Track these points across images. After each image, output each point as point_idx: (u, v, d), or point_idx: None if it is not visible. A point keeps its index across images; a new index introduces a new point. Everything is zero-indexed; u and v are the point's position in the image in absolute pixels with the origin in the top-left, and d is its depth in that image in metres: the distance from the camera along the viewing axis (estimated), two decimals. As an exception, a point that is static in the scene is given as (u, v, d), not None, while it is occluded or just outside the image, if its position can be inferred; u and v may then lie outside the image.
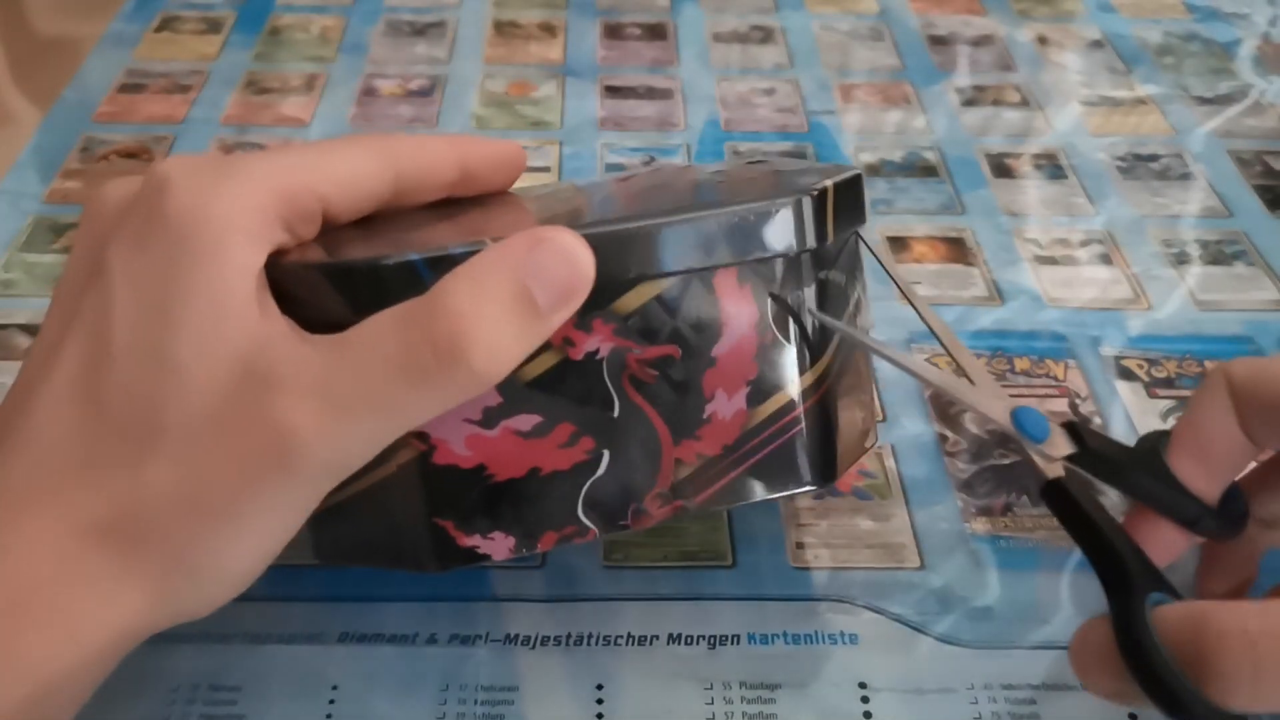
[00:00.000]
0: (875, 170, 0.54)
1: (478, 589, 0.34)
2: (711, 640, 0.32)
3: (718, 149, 0.55)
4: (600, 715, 0.31)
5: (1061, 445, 0.29)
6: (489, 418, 0.27)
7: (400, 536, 0.28)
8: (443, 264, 0.25)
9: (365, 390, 0.24)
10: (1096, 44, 0.64)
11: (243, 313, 0.25)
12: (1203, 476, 0.29)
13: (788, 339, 0.29)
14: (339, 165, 0.28)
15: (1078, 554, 0.35)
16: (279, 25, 0.64)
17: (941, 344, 0.31)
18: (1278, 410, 0.28)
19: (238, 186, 0.26)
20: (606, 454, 0.28)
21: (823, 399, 0.30)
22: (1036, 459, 0.29)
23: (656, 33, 0.64)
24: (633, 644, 0.32)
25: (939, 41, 0.64)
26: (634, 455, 0.28)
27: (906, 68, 0.62)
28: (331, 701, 0.31)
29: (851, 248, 0.32)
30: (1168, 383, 0.42)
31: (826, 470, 0.30)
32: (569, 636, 0.33)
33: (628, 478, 0.28)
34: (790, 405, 0.29)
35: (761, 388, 0.29)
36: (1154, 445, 0.30)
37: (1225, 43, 0.64)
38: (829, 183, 0.29)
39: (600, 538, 0.29)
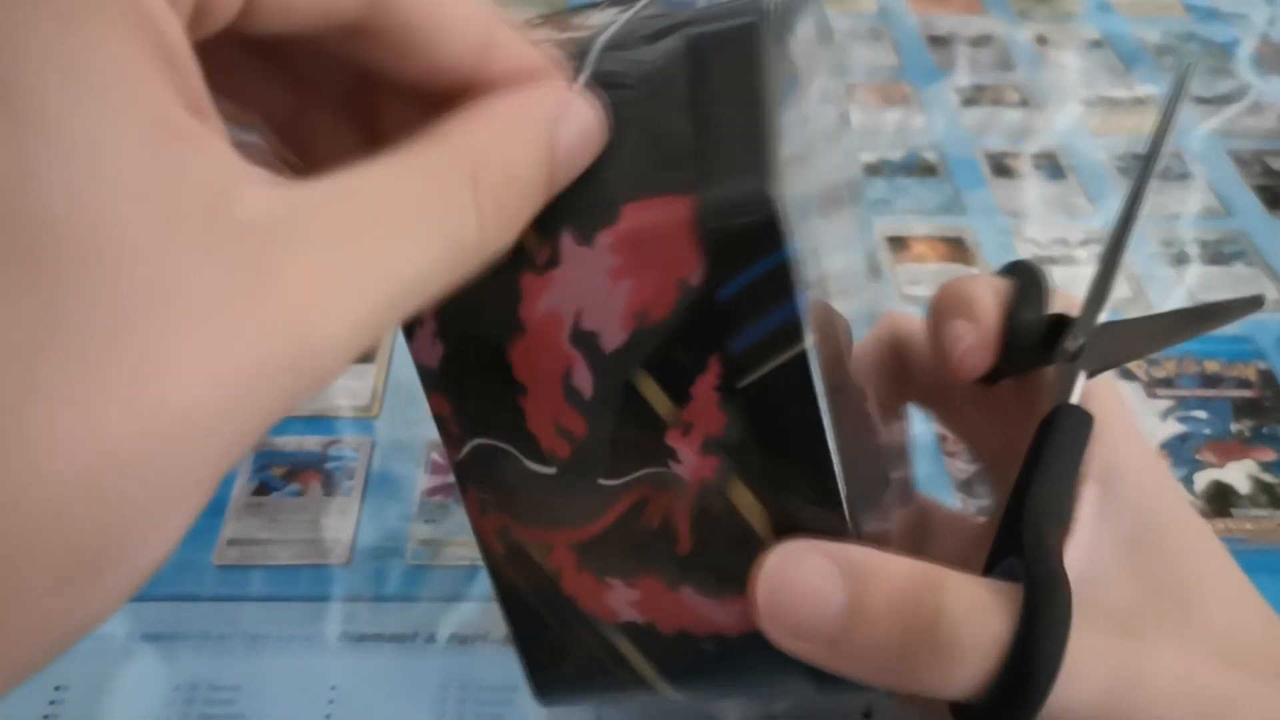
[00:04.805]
0: (875, 170, 0.54)
1: (478, 589, 0.34)
2: (711, 640, 0.32)
3: (717, 149, 0.55)
4: (600, 715, 0.31)
5: None
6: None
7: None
8: None
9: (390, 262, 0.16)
10: (1096, 44, 0.64)
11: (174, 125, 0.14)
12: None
13: None
14: None
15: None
16: (278, 24, 0.64)
17: None
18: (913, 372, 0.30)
19: None
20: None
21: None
22: None
23: (656, 32, 0.64)
24: (633, 644, 0.32)
25: (938, 41, 0.64)
26: None
27: (906, 67, 0.62)
28: (331, 701, 0.31)
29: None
30: (1167, 383, 0.42)
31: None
32: (569, 636, 0.33)
33: None
34: None
35: None
36: None
37: (1224, 42, 0.64)
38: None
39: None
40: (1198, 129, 0.57)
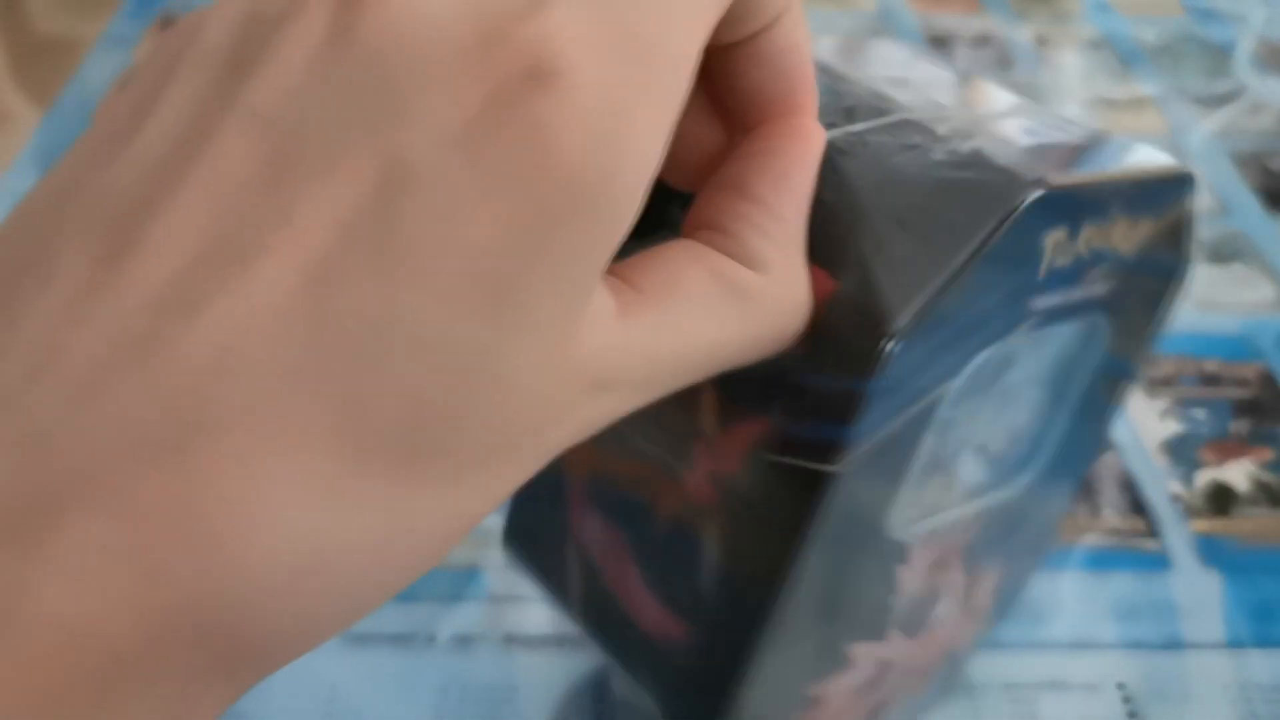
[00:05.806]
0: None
1: (478, 589, 0.34)
2: (711, 640, 0.33)
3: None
4: (600, 715, 0.31)
5: None
6: None
7: None
8: None
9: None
10: (1095, 44, 0.64)
11: (605, 325, 0.16)
12: None
13: None
14: None
15: (1078, 553, 0.35)
16: (278, 25, 0.64)
17: None
18: None
19: (659, 93, 0.15)
20: None
21: None
22: None
23: (655, 32, 0.64)
24: (633, 644, 0.32)
25: (938, 41, 0.64)
26: None
27: (905, 67, 0.62)
28: (331, 701, 0.31)
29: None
30: (1166, 382, 0.42)
31: None
32: (569, 636, 0.33)
33: None
34: None
35: None
36: None
37: (1222, 43, 0.64)
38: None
39: None
40: (1197, 129, 0.57)
